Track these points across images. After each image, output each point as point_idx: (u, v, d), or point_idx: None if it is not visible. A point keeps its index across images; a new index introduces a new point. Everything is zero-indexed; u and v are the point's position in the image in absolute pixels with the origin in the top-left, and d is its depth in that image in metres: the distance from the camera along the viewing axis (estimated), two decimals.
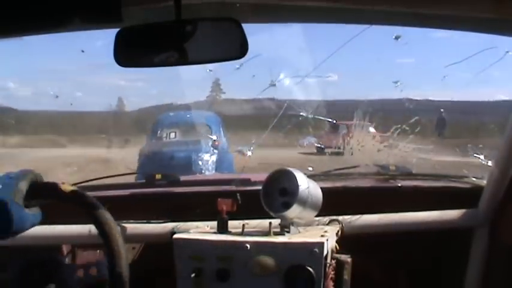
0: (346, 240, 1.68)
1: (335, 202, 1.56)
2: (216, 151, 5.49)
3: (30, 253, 1.48)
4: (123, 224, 1.65)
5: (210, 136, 5.65)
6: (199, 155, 5.42)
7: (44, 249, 1.58)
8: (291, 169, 1.35)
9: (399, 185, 1.99)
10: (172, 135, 6.03)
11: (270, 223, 1.34)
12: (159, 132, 6.10)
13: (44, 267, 1.43)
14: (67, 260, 1.62)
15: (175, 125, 6.11)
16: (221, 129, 6.01)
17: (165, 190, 1.95)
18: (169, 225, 1.61)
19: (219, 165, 5.27)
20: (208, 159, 5.33)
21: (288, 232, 1.33)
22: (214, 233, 1.38)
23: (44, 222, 1.71)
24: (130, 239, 1.65)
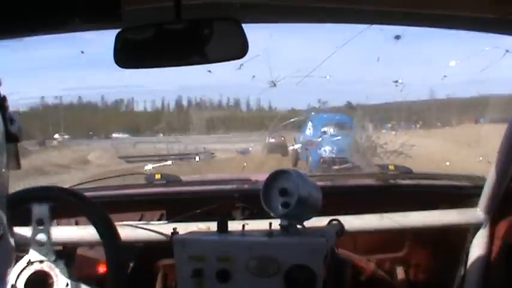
0: (346, 240, 1.68)
1: (335, 202, 1.56)
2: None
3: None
4: (123, 225, 1.65)
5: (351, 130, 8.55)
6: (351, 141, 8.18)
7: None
8: (291, 169, 1.35)
9: (399, 184, 2.00)
10: (331, 129, 8.81)
11: (270, 223, 1.34)
12: (321, 127, 8.86)
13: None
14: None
15: (329, 123, 8.91)
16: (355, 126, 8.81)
17: (165, 190, 1.96)
18: (169, 225, 1.61)
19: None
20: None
21: (288, 232, 1.33)
22: (215, 233, 1.38)
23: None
24: (130, 239, 1.65)
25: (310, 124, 9.26)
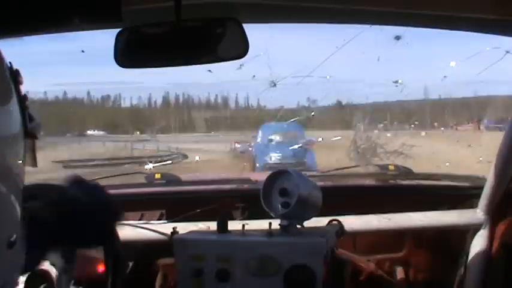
0: (346, 240, 1.68)
1: (335, 202, 1.56)
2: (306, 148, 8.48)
3: None
4: (123, 224, 1.64)
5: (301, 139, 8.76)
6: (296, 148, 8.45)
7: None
8: (291, 169, 1.35)
9: (399, 185, 2.00)
10: (278, 137, 9.19)
11: (270, 223, 1.34)
12: (268, 135, 9.22)
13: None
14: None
15: (277, 131, 9.28)
16: (305, 133, 9.07)
17: (165, 190, 1.96)
18: (169, 225, 1.61)
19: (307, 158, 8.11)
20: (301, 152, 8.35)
21: (288, 232, 1.33)
22: (215, 233, 1.38)
23: None
24: (130, 239, 1.65)
25: (260, 133, 9.60)
